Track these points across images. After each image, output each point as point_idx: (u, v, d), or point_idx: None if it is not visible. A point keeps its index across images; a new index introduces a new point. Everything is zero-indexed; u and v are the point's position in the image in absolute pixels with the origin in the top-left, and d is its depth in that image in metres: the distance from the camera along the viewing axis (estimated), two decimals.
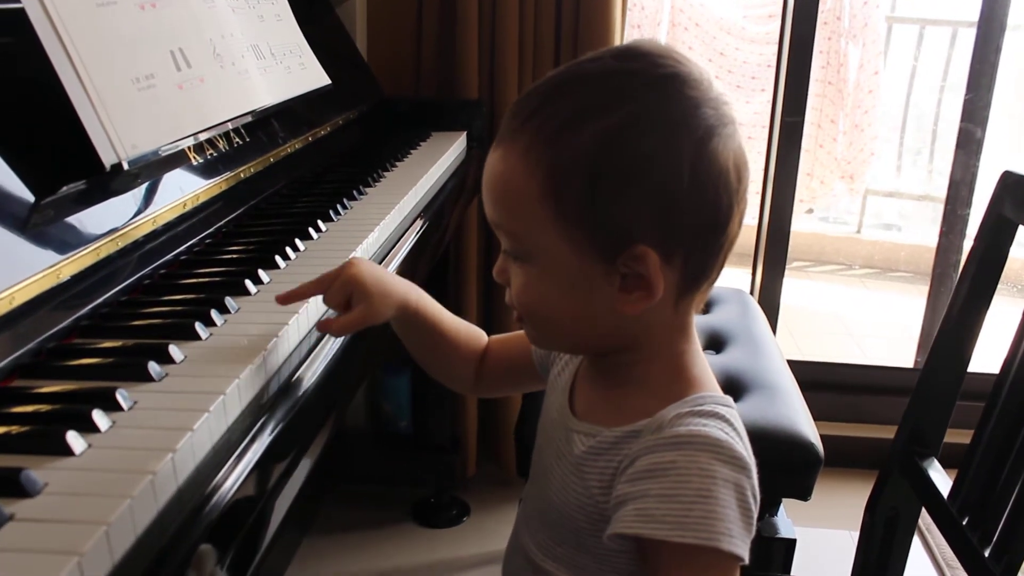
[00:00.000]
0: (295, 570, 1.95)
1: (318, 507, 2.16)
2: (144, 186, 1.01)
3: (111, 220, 0.93)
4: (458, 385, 1.02)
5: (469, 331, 0.98)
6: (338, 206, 1.28)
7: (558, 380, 0.85)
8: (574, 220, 0.69)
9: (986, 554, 0.98)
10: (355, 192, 1.38)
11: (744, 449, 0.70)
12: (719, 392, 0.76)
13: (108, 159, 0.91)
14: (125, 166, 0.93)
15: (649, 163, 0.68)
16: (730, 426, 0.71)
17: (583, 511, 0.75)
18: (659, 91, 0.69)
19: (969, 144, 2.38)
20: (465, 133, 1.94)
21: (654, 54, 0.71)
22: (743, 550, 0.67)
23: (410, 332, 0.94)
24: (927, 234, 3.27)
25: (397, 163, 1.63)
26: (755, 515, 0.69)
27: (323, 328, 0.90)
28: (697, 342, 0.78)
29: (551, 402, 0.85)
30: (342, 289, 0.87)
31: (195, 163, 1.12)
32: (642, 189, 0.68)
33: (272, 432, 0.74)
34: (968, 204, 2.44)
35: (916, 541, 1.16)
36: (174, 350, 0.78)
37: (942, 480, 1.09)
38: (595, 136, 0.68)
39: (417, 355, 0.97)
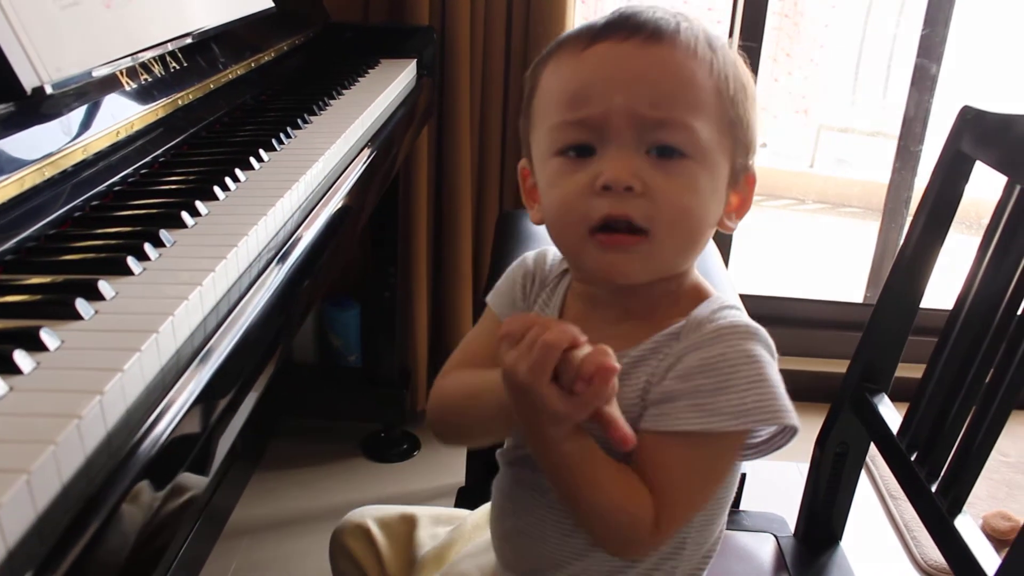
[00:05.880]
0: (244, 505, 1.93)
1: (267, 442, 2.14)
2: (73, 112, 0.95)
3: (37, 148, 0.87)
4: None
5: None
6: (281, 135, 1.23)
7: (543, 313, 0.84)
8: (729, 126, 0.74)
9: (933, 489, 0.98)
10: (299, 120, 1.33)
11: None
12: None
13: (29, 82, 0.86)
14: (48, 90, 0.88)
15: (750, 87, 0.77)
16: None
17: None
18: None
19: (924, 80, 2.37)
20: (415, 60, 1.87)
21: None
22: (797, 422, 0.72)
23: None
24: (879, 170, 3.28)
25: (344, 91, 1.57)
26: None
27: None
28: None
29: None
30: None
31: (128, 88, 1.06)
32: (753, 110, 0.77)
33: (209, 372, 0.71)
34: (921, 140, 2.44)
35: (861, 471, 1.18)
36: (104, 286, 0.74)
37: (892, 416, 1.09)
38: (730, 55, 0.76)
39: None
